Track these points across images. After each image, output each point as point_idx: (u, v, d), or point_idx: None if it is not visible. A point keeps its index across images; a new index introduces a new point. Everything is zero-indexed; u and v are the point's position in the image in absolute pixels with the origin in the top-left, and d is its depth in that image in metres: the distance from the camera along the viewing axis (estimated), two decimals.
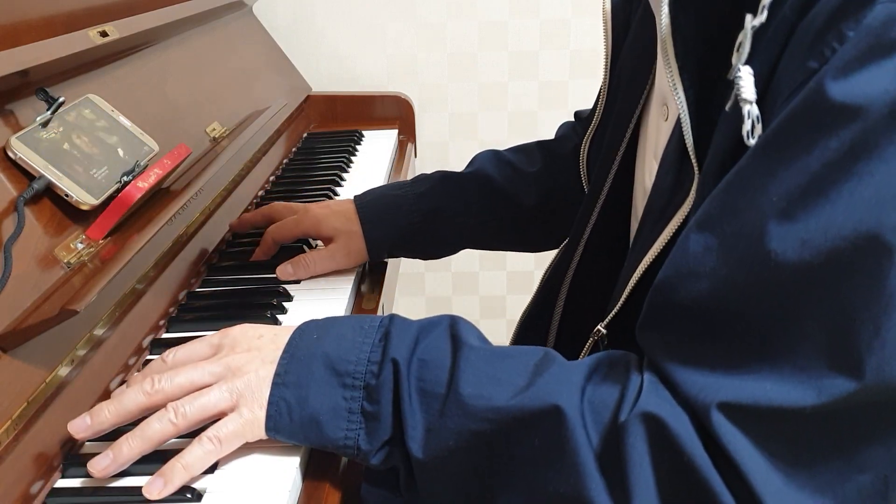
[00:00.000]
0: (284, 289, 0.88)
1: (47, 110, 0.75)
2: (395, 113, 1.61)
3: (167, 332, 0.81)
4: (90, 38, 0.86)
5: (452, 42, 1.76)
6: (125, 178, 0.78)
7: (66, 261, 0.69)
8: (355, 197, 0.98)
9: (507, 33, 1.75)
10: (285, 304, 0.85)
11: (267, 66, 1.49)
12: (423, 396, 0.58)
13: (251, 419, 0.60)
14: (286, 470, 0.60)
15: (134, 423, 0.61)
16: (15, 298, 0.62)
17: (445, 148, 1.83)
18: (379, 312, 0.90)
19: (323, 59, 1.76)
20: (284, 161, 1.35)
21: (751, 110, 0.51)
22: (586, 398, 0.55)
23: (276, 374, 0.61)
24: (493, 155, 1.03)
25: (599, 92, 0.87)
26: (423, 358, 0.60)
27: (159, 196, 0.84)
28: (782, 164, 0.48)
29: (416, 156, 1.61)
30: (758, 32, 0.51)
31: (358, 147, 1.44)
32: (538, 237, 1.05)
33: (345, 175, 1.30)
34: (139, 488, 0.57)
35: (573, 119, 1.07)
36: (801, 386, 0.47)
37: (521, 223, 1.01)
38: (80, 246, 0.72)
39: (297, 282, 0.91)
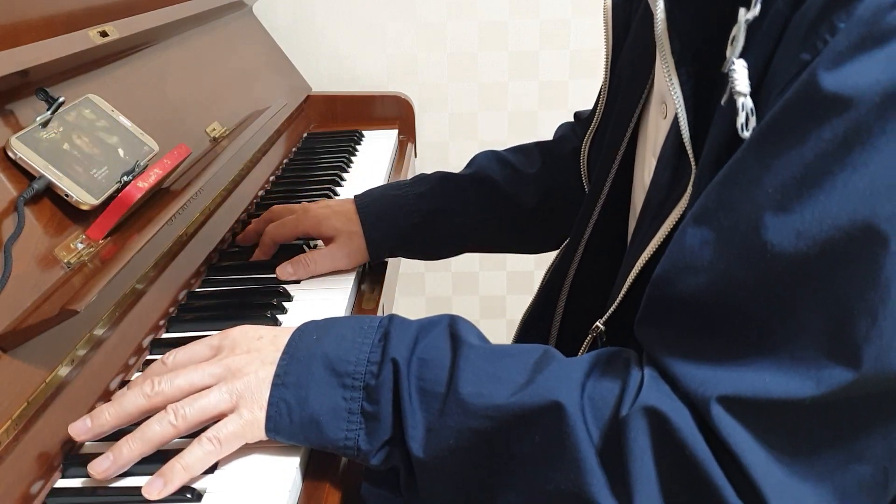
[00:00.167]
0: (284, 289, 0.88)
1: (47, 110, 0.75)
2: (395, 113, 1.61)
3: (167, 332, 0.81)
4: (90, 38, 0.86)
5: (452, 42, 1.76)
6: (125, 178, 0.78)
7: (66, 261, 0.69)
8: (355, 197, 0.98)
9: (507, 33, 1.75)
10: (285, 304, 0.85)
11: (267, 66, 1.49)
12: (423, 396, 0.58)
13: (251, 420, 0.60)
14: (286, 470, 0.60)
15: (134, 425, 0.61)
16: (15, 298, 0.62)
17: (445, 148, 1.83)
18: (379, 312, 0.90)
19: (323, 59, 1.76)
20: (284, 161, 1.35)
21: (745, 103, 0.51)
22: (586, 394, 0.55)
23: (276, 375, 0.61)
24: (493, 155, 1.02)
25: (600, 92, 0.87)
26: (422, 357, 0.60)
27: (159, 196, 0.84)
28: (777, 155, 0.48)
29: (416, 156, 1.61)
30: (752, 26, 0.51)
31: (358, 147, 1.44)
32: (538, 237, 1.05)
33: (345, 175, 1.30)
34: (139, 488, 0.57)
35: (573, 119, 1.07)
36: (800, 377, 0.47)
37: (520, 223, 1.01)
38: (80, 246, 0.72)
39: (297, 282, 0.91)
